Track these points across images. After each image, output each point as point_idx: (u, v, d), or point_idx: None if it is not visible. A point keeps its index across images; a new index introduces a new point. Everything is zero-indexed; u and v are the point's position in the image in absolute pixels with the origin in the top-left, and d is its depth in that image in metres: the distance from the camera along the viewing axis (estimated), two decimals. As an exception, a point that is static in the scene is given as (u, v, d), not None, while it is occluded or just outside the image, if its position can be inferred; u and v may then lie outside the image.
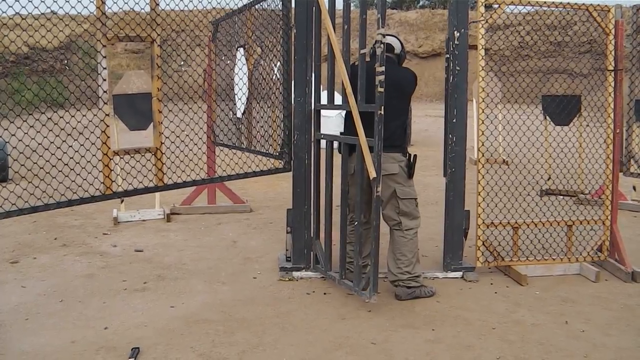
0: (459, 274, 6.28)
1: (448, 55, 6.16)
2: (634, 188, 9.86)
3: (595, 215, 7.02)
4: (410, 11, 43.86)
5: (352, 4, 5.89)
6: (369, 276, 5.35)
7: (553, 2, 6.40)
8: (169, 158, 5.78)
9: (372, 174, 5.17)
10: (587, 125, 7.97)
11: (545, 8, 6.53)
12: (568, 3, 6.41)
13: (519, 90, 6.89)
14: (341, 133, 5.92)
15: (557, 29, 23.89)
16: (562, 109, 9.27)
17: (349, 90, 5.48)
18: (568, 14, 6.83)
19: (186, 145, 6.21)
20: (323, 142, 6.06)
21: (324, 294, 5.80)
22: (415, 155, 5.74)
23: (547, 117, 9.80)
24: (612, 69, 6.46)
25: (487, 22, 6.16)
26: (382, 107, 5.11)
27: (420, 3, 52.59)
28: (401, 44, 6.03)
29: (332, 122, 15.64)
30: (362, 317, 5.28)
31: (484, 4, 6.17)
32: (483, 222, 6.25)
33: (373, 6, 45.00)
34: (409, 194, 5.69)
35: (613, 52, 6.46)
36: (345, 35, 5.63)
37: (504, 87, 7.82)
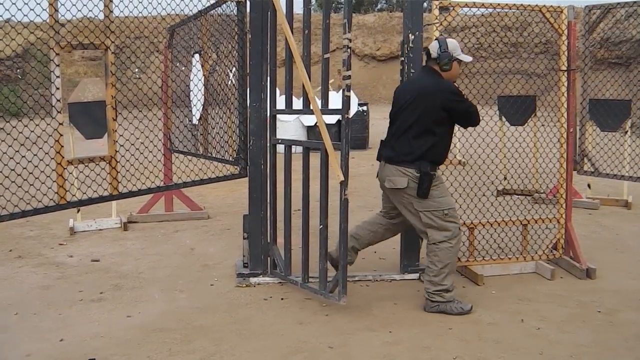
0: (415, 275, 6.30)
1: (403, 58, 6.19)
2: (589, 186, 10.00)
3: (550, 214, 7.09)
4: (368, 14, 44.01)
5: (311, 9, 5.89)
6: (337, 278, 5.37)
7: (507, 4, 6.47)
8: (123, 166, 5.73)
9: (340, 177, 5.18)
10: (542, 125, 8.06)
11: (499, 10, 6.61)
12: (522, 4, 6.48)
13: (474, 91, 6.95)
14: None
15: (513, 30, 24.15)
16: (518, 109, 9.35)
17: (311, 95, 5.49)
18: (522, 15, 6.91)
19: (141, 153, 6.16)
20: (281, 147, 6.05)
21: (282, 299, 5.78)
22: (427, 173, 5.34)
23: (503, 118, 9.89)
24: (565, 69, 6.54)
25: (441, 24, 6.21)
26: (349, 112, 5.16)
27: (379, 6, 52.86)
28: (440, 45, 5.50)
29: (290, 127, 15.69)
30: (320, 322, 5.27)
31: (438, 7, 6.22)
32: (438, 223, 6.29)
33: (336, 10, 45.24)
34: (430, 206, 5.39)
35: (566, 53, 6.54)
36: (306, 39, 5.64)
37: (458, 88, 7.87)
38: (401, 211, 5.60)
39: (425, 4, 6.47)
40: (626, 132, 9.36)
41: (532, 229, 6.76)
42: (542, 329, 5.13)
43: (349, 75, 5.12)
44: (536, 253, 6.63)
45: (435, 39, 5.59)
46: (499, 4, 6.44)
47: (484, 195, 7.22)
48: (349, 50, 5.13)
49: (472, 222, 6.51)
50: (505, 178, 9.54)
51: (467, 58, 5.57)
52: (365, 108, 17.64)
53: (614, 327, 5.20)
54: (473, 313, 5.44)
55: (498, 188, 9.58)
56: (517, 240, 6.73)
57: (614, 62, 23.39)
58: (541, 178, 9.63)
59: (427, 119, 5.37)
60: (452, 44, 5.52)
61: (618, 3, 6.72)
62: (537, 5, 6.49)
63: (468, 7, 6.55)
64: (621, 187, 10.00)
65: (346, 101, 5.14)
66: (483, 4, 6.48)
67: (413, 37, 6.09)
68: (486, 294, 5.92)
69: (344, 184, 5.19)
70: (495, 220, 6.64)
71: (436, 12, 6.20)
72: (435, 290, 5.43)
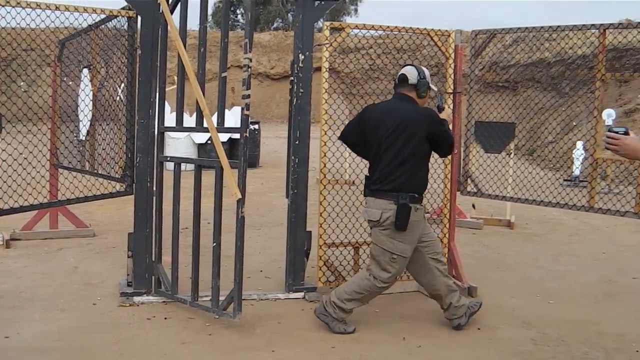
0: (300, 294, 6.32)
1: (292, 78, 6.24)
2: (473, 206, 10.28)
3: (434, 234, 7.23)
4: (263, 33, 44.17)
5: (207, 26, 5.87)
6: (232, 295, 5.34)
7: (396, 27, 6.60)
8: (5, 182, 5.57)
9: (237, 195, 5.17)
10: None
11: (388, 32, 6.73)
12: (411, 28, 6.63)
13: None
14: None
15: (407, 52, 24.65)
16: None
17: (206, 112, 5.46)
18: (417, 38, 7.06)
19: (24, 169, 6.00)
20: (171, 164, 6.00)
21: (165, 318, 5.70)
22: (404, 205, 5.21)
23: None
24: (452, 91, 6.72)
25: (331, 45, 6.29)
26: (247, 130, 5.15)
27: (275, 25, 53.05)
28: (419, 72, 5.43)
29: (181, 144, 15.57)
30: (203, 341, 5.23)
31: (329, 28, 6.29)
32: (324, 243, 6.35)
33: (233, 27, 45.11)
34: (383, 242, 5.30)
35: (452, 76, 6.72)
36: (201, 57, 5.62)
37: (354, 108, 7.97)
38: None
39: (319, 24, 6.57)
40: (510, 153, 9.69)
41: (416, 248, 6.89)
42: (422, 347, 5.23)
43: (249, 95, 5.14)
44: (419, 272, 6.75)
45: (411, 66, 5.54)
46: (388, 27, 6.56)
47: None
48: (249, 69, 5.16)
49: (357, 242, 6.58)
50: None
51: (434, 87, 5.65)
52: (257, 126, 17.71)
53: (492, 344, 5.35)
54: (355, 332, 5.48)
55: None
56: (402, 259, 6.83)
57: (502, 85, 24.14)
58: (432, 198, 9.82)
59: (411, 148, 5.28)
60: (427, 72, 5.56)
61: (502, 29, 6.94)
62: (425, 28, 6.66)
63: (358, 28, 6.67)
64: (504, 207, 10.33)
65: (244, 120, 5.15)
66: (373, 26, 6.61)
67: (303, 57, 6.15)
68: (369, 312, 5.97)
69: (241, 202, 5.19)
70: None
71: (327, 32, 6.27)
72: (334, 303, 5.42)
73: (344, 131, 5.70)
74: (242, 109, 5.17)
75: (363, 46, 31.15)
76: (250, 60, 5.16)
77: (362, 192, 5.57)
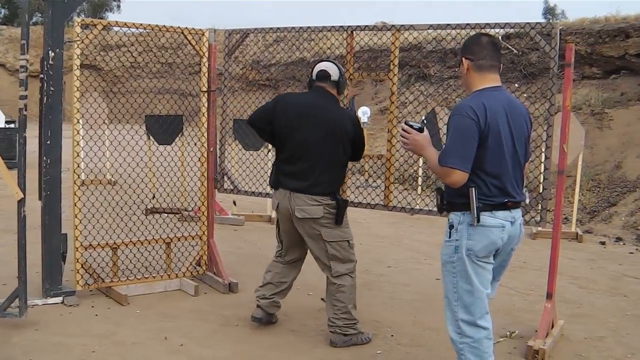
0: (59, 299, 6.08)
1: (42, 76, 5.98)
2: (234, 203, 10.39)
3: (193, 231, 7.25)
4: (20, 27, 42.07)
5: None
6: (17, 294, 5.12)
7: (149, 25, 6.50)
8: None
9: (19, 194, 4.98)
10: (189, 144, 8.24)
11: (141, 30, 6.63)
12: (164, 26, 6.55)
13: (122, 110, 6.93)
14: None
15: (169, 50, 24.46)
16: (166, 129, 9.48)
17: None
18: (179, 36, 6.98)
19: None
20: None
21: None
22: (345, 201, 5.37)
23: (151, 137, 9.95)
24: (206, 89, 6.74)
25: (82, 42, 6.09)
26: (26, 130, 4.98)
27: (34, 20, 50.61)
28: (339, 69, 5.40)
29: None
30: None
31: (80, 24, 6.09)
32: (81, 245, 6.16)
33: None
34: (337, 236, 5.27)
35: (207, 74, 6.75)
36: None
37: (115, 107, 7.79)
38: (307, 242, 5.37)
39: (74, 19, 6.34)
40: (269, 151, 9.89)
41: (175, 246, 6.86)
42: (185, 345, 5.23)
43: (26, 95, 5.04)
44: (180, 270, 6.74)
45: (329, 62, 5.42)
46: (141, 25, 6.46)
47: (134, 214, 7.22)
48: (26, 70, 5.02)
49: (114, 242, 6.44)
50: (154, 197, 9.60)
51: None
52: (13, 125, 16.79)
53: (253, 338, 5.46)
54: (116, 334, 5.39)
55: (147, 207, 9.63)
56: (161, 259, 6.80)
57: (264, 84, 24.61)
58: (189, 196, 9.83)
59: (340, 148, 5.25)
60: (343, 70, 5.49)
61: (255, 28, 7.05)
62: (179, 27, 6.62)
63: (111, 25, 6.53)
64: (266, 203, 10.53)
65: (23, 120, 5.00)
66: (126, 24, 6.50)
67: (53, 54, 5.91)
68: (131, 313, 5.90)
69: (22, 201, 4.99)
70: (139, 240, 6.64)
71: (78, 29, 6.06)
72: (346, 324, 5.31)
73: (254, 115, 5.50)
74: (20, 109, 5.05)
75: (124, 43, 30.63)
76: (27, 62, 5.00)
77: (270, 183, 5.51)
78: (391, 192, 6.18)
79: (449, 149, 3.82)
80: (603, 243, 9.70)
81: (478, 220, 3.84)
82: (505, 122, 3.90)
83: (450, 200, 4.02)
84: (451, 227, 3.98)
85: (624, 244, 9.67)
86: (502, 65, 4.14)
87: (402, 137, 4.06)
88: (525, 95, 11.65)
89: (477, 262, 3.92)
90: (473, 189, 3.83)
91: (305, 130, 5.23)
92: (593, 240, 9.91)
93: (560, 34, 5.28)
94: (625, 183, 11.36)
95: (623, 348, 5.55)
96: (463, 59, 4.06)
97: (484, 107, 3.83)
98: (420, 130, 4.04)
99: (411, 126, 4.04)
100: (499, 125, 3.86)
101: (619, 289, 7.31)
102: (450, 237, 3.99)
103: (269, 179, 5.56)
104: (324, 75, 5.34)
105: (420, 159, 10.76)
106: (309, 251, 5.50)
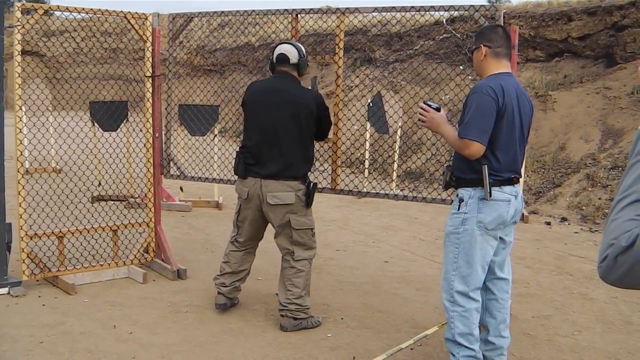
0: (5, 290, 5.97)
1: (-19, 62, 5.86)
2: (181, 189, 10.31)
3: (140, 218, 7.19)
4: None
5: None
6: None
7: (91, 9, 6.39)
8: None
9: None
10: (134, 131, 8.15)
11: (84, 15, 6.52)
12: (107, 10, 6.44)
13: (67, 97, 6.82)
14: None
15: (113, 35, 24.12)
16: (110, 115, 9.36)
17: None
18: (122, 21, 6.88)
19: None
20: None
21: None
22: (314, 184, 5.38)
23: (96, 123, 9.81)
24: (150, 74, 6.67)
25: (23, 27, 5.97)
26: None
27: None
28: (298, 51, 5.37)
29: None
30: None
31: (20, 9, 5.97)
32: (26, 234, 6.06)
33: None
34: (304, 224, 5.34)
35: (151, 59, 6.67)
36: None
37: (58, 93, 7.66)
38: (274, 227, 5.39)
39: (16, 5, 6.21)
40: (215, 136, 9.84)
41: (122, 234, 6.79)
42: (134, 333, 5.20)
43: None
44: (127, 258, 6.68)
45: (288, 44, 5.40)
46: (83, 9, 6.35)
47: (80, 202, 7.13)
48: None
49: (60, 231, 6.35)
50: (100, 184, 9.50)
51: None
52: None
53: (202, 324, 5.45)
54: (64, 324, 5.33)
55: (93, 194, 9.52)
56: (109, 247, 6.73)
57: (210, 69, 24.40)
58: (135, 183, 9.75)
59: (304, 130, 5.26)
60: (303, 48, 5.44)
61: (200, 12, 6.99)
62: (122, 11, 6.53)
63: (52, 10, 6.40)
64: (213, 189, 10.48)
65: None
66: (67, 8, 6.36)
67: (-7, 40, 5.80)
68: (78, 302, 5.83)
69: None
70: (85, 228, 6.55)
71: (18, 14, 5.94)
72: (298, 308, 5.36)
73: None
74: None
75: (66, 29, 30.09)
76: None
77: (236, 172, 5.46)
78: (338, 175, 6.20)
79: (469, 123, 4.10)
80: (548, 223, 9.85)
81: (490, 195, 4.13)
82: (516, 104, 4.20)
83: (461, 176, 4.29)
84: (461, 200, 4.26)
85: (568, 224, 9.84)
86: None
87: (421, 114, 4.37)
88: (470, 77, 11.74)
89: (486, 234, 4.21)
90: (485, 166, 4.11)
91: (270, 115, 5.25)
92: (539, 220, 10.06)
93: (504, 17, 5.35)
94: (569, 164, 11.54)
95: (569, 326, 5.67)
96: (482, 45, 4.34)
97: (501, 87, 4.14)
98: (438, 109, 4.35)
99: (429, 105, 4.35)
100: (512, 106, 4.16)
101: (565, 268, 7.44)
102: (459, 209, 4.26)
103: (233, 168, 5.53)
104: (282, 58, 5.36)
105: (367, 142, 10.82)
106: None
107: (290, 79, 5.37)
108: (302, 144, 5.30)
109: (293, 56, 5.35)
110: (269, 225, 5.51)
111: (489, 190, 4.13)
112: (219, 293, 5.69)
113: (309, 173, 5.45)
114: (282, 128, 5.21)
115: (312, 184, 5.34)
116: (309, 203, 5.34)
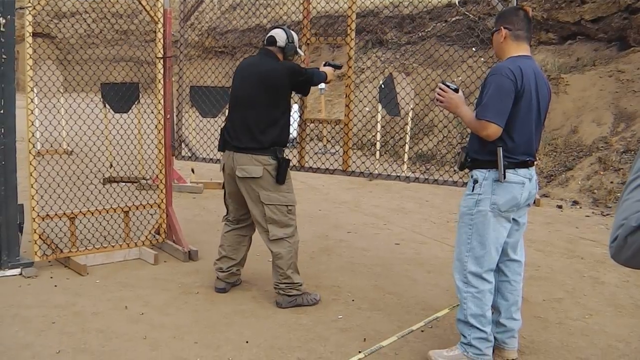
0: (17, 270, 6.01)
1: (-6, 44, 5.87)
2: (193, 170, 10.33)
3: (152, 200, 7.20)
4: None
5: None
6: None
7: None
8: None
9: None
10: (146, 112, 8.15)
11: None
12: (117, -9, 6.44)
13: (77, 78, 6.82)
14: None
15: (124, 17, 24.09)
16: (122, 97, 9.37)
17: None
18: (133, 2, 6.88)
19: None
20: None
21: None
22: (287, 161, 5.34)
23: (107, 105, 9.82)
24: (162, 56, 6.66)
25: (34, 8, 5.97)
26: None
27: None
28: (288, 36, 5.46)
29: None
30: None
31: (28, -10, 5.97)
32: (38, 215, 6.08)
33: None
34: (275, 199, 5.30)
35: (162, 40, 6.66)
36: None
37: (69, 75, 7.65)
38: (247, 202, 5.40)
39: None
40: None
41: (134, 215, 6.82)
42: (145, 314, 5.22)
43: None
44: (139, 239, 6.71)
45: (280, 29, 5.49)
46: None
47: (91, 183, 7.14)
48: None
49: (72, 212, 6.38)
50: (111, 165, 9.52)
51: (302, 53, 5.74)
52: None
53: (213, 305, 5.46)
54: (76, 304, 5.35)
55: (105, 176, 9.54)
56: (120, 228, 6.75)
57: (221, 50, 24.35)
58: (147, 164, 9.76)
59: (275, 102, 5.29)
60: (296, 36, 5.50)
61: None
62: (133, -8, 6.53)
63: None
64: (224, 170, 10.47)
65: None
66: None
67: (4, 20, 5.79)
68: (90, 283, 5.86)
69: None
70: (97, 209, 6.58)
71: (29, -4, 5.95)
72: (288, 286, 5.45)
73: None
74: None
75: (77, 10, 30.05)
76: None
77: (219, 147, 5.55)
78: (349, 157, 6.20)
79: (487, 104, 4.10)
80: (560, 207, 9.81)
81: (504, 177, 4.13)
82: (535, 87, 4.18)
83: (476, 158, 4.29)
84: (475, 182, 4.26)
85: (580, 208, 9.80)
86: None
87: (439, 95, 4.36)
88: (482, 59, 11.69)
89: (500, 216, 4.23)
90: (500, 148, 4.11)
91: (243, 88, 5.37)
92: (550, 204, 10.03)
93: (516, -1, 5.31)
94: (581, 147, 11.48)
95: (580, 309, 5.66)
96: (502, 27, 4.30)
97: (520, 70, 4.12)
98: (456, 90, 4.33)
99: (448, 86, 4.33)
100: (531, 89, 4.15)
101: (576, 251, 7.42)
102: (473, 190, 4.27)
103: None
104: (271, 40, 5.46)
105: (378, 123, 10.79)
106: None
107: (271, 56, 5.45)
108: (272, 118, 5.30)
109: (281, 39, 5.44)
110: None
111: (503, 173, 4.12)
112: (217, 278, 5.77)
113: (284, 149, 5.44)
114: (251, 101, 5.29)
115: (283, 159, 5.32)
116: (279, 180, 5.30)
